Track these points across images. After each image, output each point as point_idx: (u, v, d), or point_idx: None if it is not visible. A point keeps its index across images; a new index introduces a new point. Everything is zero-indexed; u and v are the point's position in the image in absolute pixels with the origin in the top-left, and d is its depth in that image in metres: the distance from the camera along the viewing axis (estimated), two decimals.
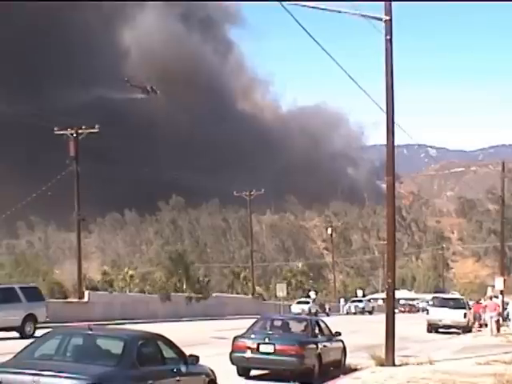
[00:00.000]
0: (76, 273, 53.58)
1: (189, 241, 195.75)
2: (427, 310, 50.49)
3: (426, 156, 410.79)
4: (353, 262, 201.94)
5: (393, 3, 24.57)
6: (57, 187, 55.33)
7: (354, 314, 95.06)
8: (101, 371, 11.94)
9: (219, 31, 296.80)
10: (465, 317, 47.74)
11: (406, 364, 24.63)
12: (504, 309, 52.94)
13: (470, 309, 50.78)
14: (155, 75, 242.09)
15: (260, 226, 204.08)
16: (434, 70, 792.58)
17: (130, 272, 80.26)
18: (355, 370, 23.86)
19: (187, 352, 14.62)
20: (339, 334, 23.92)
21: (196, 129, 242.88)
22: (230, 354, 21.39)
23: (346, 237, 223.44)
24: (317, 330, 22.51)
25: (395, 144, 25.43)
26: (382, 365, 23.87)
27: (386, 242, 26.91)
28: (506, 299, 58.93)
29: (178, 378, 13.64)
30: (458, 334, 46.70)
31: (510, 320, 47.75)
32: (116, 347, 12.69)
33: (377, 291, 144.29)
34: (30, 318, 33.97)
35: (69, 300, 52.84)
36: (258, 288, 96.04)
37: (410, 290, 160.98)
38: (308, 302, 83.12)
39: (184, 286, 72.58)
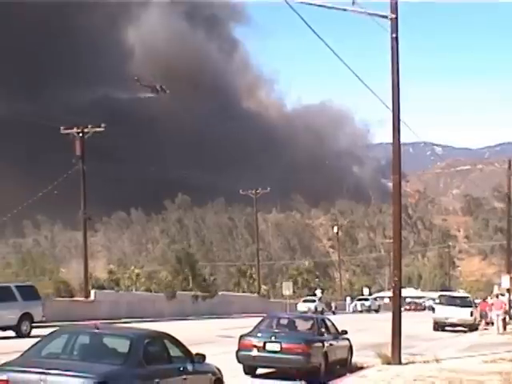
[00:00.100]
0: (82, 272, 53.61)
1: (195, 239, 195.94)
2: (433, 309, 50.40)
3: (431, 154, 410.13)
4: (359, 261, 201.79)
5: (399, 1, 24.57)
6: (63, 186, 55.38)
7: (361, 312, 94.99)
8: (107, 370, 11.93)
9: (224, 29, 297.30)
10: (471, 315, 47.69)
11: (413, 362, 24.60)
12: (510, 307, 52.87)
13: (476, 307, 50.71)
14: (160, 74, 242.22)
15: (266, 224, 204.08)
16: (440, 68, 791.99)
17: (136, 271, 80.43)
18: (361, 368, 23.82)
19: (193, 350, 14.61)
20: (345, 332, 23.89)
21: (201, 127, 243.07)
22: (237, 352, 21.38)
23: (352, 235, 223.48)
24: (323, 329, 22.48)
25: (401, 142, 25.40)
26: (388, 363, 23.85)
27: (392, 241, 26.88)
28: None
29: (184, 377, 13.64)
30: (465, 332, 46.65)
31: None
32: (122, 346, 12.68)
33: (383, 289, 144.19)
34: (26, 316, 33.70)
35: (75, 299, 52.89)
36: (263, 287, 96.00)
37: (416, 289, 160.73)
38: (314, 301, 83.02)
39: (190, 285, 72.65)
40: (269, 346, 20.81)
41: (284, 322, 23.00)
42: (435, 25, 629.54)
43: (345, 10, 24.03)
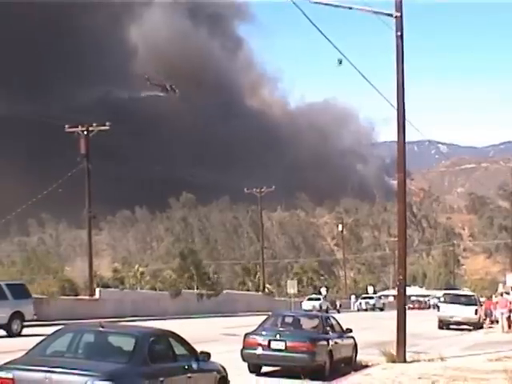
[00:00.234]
0: (87, 270, 53.66)
1: (199, 238, 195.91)
2: (438, 307, 50.37)
3: (436, 152, 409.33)
4: (364, 259, 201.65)
5: (403, 0, 24.61)
6: (68, 185, 55.41)
7: (365, 310, 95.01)
8: (112, 368, 11.96)
9: (228, 28, 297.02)
10: (476, 313, 47.64)
11: (417, 360, 24.60)
12: None
13: (481, 305, 50.66)
14: (164, 72, 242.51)
15: (271, 222, 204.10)
16: (444, 68, 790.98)
17: (141, 269, 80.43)
18: (366, 366, 23.84)
19: (198, 349, 14.64)
20: (350, 330, 23.92)
21: (205, 125, 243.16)
22: (241, 350, 21.42)
23: (356, 234, 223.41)
24: (328, 327, 22.51)
25: (406, 140, 25.40)
26: (393, 361, 23.87)
27: (396, 239, 26.95)
28: None
29: (189, 375, 13.67)
30: (469, 330, 46.63)
31: None
32: (127, 344, 12.70)
33: (388, 288, 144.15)
34: (17, 315, 33.33)
35: (80, 297, 52.97)
36: (268, 286, 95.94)
37: (420, 287, 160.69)
38: (319, 299, 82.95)
39: (195, 283, 72.68)
40: (274, 345, 20.84)
41: (289, 320, 23.02)
42: (436, 25, 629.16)
43: (350, 8, 24.09)
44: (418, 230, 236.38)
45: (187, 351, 14.12)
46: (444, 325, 47.67)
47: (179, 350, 13.85)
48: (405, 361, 24.08)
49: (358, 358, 24.55)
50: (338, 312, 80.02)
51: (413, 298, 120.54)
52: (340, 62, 23.26)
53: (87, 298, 51.34)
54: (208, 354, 14.52)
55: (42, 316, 41.39)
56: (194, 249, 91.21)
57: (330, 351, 21.55)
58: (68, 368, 11.75)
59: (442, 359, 24.71)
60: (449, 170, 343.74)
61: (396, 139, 25.41)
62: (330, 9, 24.44)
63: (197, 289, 70.39)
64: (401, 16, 24.34)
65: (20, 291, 34.53)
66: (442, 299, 51.29)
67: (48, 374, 11.65)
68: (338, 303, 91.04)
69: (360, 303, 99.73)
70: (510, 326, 43.37)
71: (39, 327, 34.26)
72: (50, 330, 14.27)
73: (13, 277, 52.66)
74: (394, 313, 25.67)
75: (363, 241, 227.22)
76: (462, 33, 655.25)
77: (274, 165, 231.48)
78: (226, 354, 21.03)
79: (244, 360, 21.44)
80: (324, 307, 78.61)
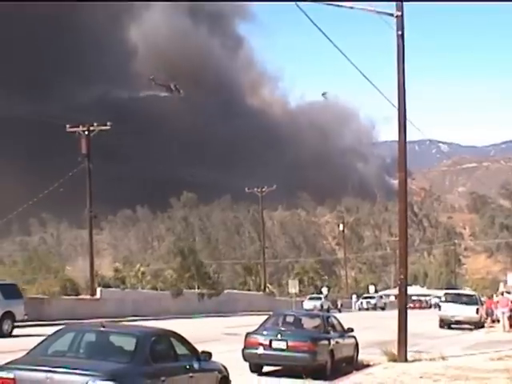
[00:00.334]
0: (88, 270, 53.69)
1: (200, 237, 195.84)
2: (439, 306, 50.35)
3: (437, 152, 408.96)
4: (365, 258, 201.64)
5: None
6: (69, 184, 55.42)
7: (367, 310, 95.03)
8: (114, 368, 11.96)
9: (228, 26, 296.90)
10: (477, 313, 47.62)
11: (419, 360, 24.60)
12: None
13: (482, 305, 50.63)
14: (164, 71, 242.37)
15: (272, 222, 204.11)
16: (443, 68, 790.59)
17: (142, 269, 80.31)
18: (368, 365, 23.85)
19: (200, 348, 14.64)
20: (351, 330, 23.92)
21: (205, 125, 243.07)
22: (243, 350, 21.41)
23: (357, 233, 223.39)
24: (329, 327, 22.51)
25: (407, 140, 25.40)
26: (394, 361, 23.88)
27: (397, 238, 26.91)
28: None
29: (190, 375, 13.68)
30: (471, 329, 46.60)
31: None
32: (129, 344, 12.70)
33: (389, 287, 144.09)
34: (8, 315, 32.88)
35: (81, 297, 52.97)
36: (269, 285, 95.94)
37: (422, 286, 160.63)
38: (320, 299, 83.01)
39: (196, 283, 72.66)
40: (275, 344, 20.84)
41: (290, 319, 23.03)
42: (436, 25, 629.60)
43: (351, 8, 24.11)
44: (419, 229, 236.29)
45: (188, 351, 14.12)
46: (445, 324, 47.65)
47: (181, 349, 13.86)
48: (406, 360, 24.09)
49: (360, 357, 24.56)
50: (339, 311, 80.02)
51: (414, 298, 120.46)
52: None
53: (88, 297, 51.37)
54: (209, 354, 14.52)
55: (44, 316, 41.48)
56: (195, 248, 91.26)
57: (332, 351, 21.55)
58: (69, 368, 11.75)
59: (443, 358, 24.71)
60: (450, 170, 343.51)
61: (397, 138, 25.45)
62: (331, 8, 24.49)
63: (198, 288, 70.40)
64: (402, 15, 24.39)
65: (11, 291, 34.14)
66: (443, 298, 51.23)
67: (49, 374, 11.65)
68: (339, 303, 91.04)
69: (361, 303, 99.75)
70: (511, 326, 43.33)
71: (39, 327, 34.27)
72: (47, 330, 14.27)
73: (14, 276, 52.70)
74: (396, 312, 25.68)
75: (364, 240, 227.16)
76: (463, 32, 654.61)
77: (275, 164, 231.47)
78: (228, 354, 21.01)
79: (245, 360, 21.44)
80: (325, 307, 78.67)
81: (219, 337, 33.78)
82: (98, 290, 52.31)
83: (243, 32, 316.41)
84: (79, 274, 68.64)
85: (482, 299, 56.28)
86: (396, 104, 25.07)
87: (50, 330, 14.00)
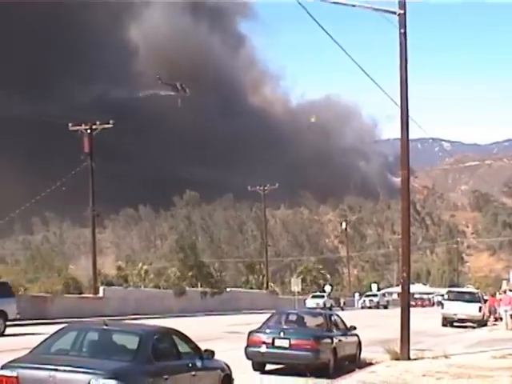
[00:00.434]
0: (91, 268, 53.75)
1: (203, 236, 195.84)
2: (442, 304, 50.32)
3: (440, 150, 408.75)
4: (367, 257, 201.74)
5: None
6: (71, 183, 55.45)
7: (369, 308, 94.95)
8: (116, 366, 11.96)
9: (230, 25, 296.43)
10: (480, 311, 47.55)
11: (422, 358, 24.59)
12: None
13: (485, 303, 50.59)
14: (165, 70, 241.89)
15: (274, 220, 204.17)
16: (446, 66, 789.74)
17: (145, 267, 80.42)
18: (370, 364, 23.85)
19: (202, 347, 14.64)
20: (354, 328, 23.93)
21: (206, 123, 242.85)
22: (245, 348, 21.42)
23: (360, 231, 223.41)
24: (332, 325, 22.50)
25: (409, 138, 25.39)
26: (397, 359, 23.87)
27: (400, 237, 26.92)
28: None
29: (193, 373, 13.67)
30: (473, 327, 46.56)
31: None
32: (131, 342, 12.70)
33: (391, 285, 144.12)
34: (0, 314, 32.69)
35: (84, 295, 52.98)
36: (271, 284, 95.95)
37: (424, 284, 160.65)
38: (323, 297, 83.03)
39: (198, 282, 72.66)
40: (278, 343, 20.84)
41: (293, 318, 23.04)
42: (438, 23, 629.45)
43: (353, 5, 24.11)
44: (421, 227, 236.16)
45: (191, 349, 14.12)
46: (448, 322, 47.61)
47: (183, 348, 13.85)
48: (409, 358, 24.07)
49: (362, 355, 24.56)
50: (342, 310, 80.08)
51: (416, 296, 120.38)
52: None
53: (91, 296, 51.39)
54: (212, 352, 14.52)
55: (46, 314, 41.55)
56: (197, 247, 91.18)
57: (334, 349, 21.55)
58: (72, 366, 11.75)
59: (446, 357, 24.72)
60: (452, 168, 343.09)
61: (399, 137, 25.43)
62: (333, 6, 24.48)
63: (200, 287, 70.41)
64: (404, 13, 24.38)
65: (3, 290, 33.83)
66: (445, 297, 51.18)
67: (52, 373, 11.65)
68: (341, 301, 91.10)
69: (364, 301, 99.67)
70: None
71: (40, 326, 34.28)
72: (49, 329, 14.25)
73: (17, 275, 52.74)
74: (398, 310, 25.66)
75: (367, 238, 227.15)
76: (464, 31, 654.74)
77: (276, 162, 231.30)
78: (230, 352, 21.01)
79: (248, 358, 21.44)
80: (328, 305, 78.67)
81: (222, 335, 33.78)
82: (101, 288, 52.36)
83: (245, 30, 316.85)
84: (82, 273, 68.63)
85: (485, 297, 56.25)
86: (398, 102, 25.06)
87: (52, 329, 13.99)
